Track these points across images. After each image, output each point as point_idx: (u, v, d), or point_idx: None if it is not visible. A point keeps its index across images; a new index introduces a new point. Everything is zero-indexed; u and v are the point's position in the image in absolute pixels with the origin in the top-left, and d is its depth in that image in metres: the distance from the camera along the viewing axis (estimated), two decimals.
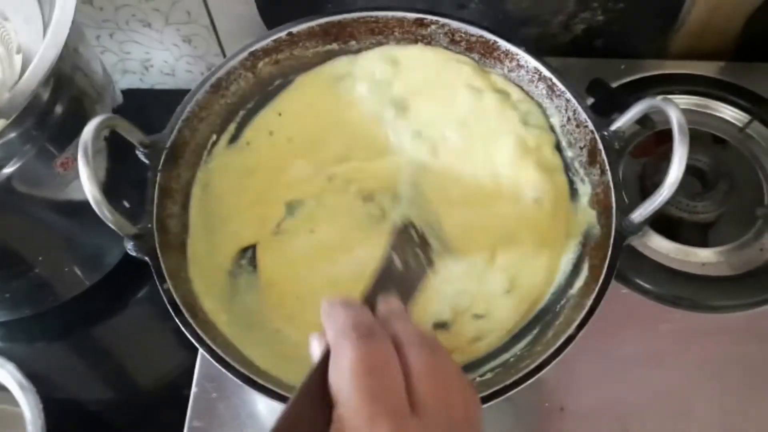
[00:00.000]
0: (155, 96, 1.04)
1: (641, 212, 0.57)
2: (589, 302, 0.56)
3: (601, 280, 0.57)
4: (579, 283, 0.61)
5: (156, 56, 0.97)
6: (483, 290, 0.63)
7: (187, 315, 0.55)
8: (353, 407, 0.36)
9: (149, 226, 0.58)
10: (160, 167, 0.61)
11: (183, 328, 0.55)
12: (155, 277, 0.56)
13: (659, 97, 0.57)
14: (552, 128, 0.69)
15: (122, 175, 0.76)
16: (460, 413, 0.39)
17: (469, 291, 0.63)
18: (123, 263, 0.84)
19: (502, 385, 0.53)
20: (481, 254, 0.64)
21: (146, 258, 0.57)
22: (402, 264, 0.51)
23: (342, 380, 0.37)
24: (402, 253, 0.52)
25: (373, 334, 0.39)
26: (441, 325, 0.62)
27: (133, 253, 0.57)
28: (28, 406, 0.69)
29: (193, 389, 0.70)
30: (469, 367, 0.60)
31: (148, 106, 1.00)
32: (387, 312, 0.44)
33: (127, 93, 0.86)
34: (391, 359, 0.38)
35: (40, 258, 0.75)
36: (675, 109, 0.54)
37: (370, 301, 0.46)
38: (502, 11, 0.86)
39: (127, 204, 0.76)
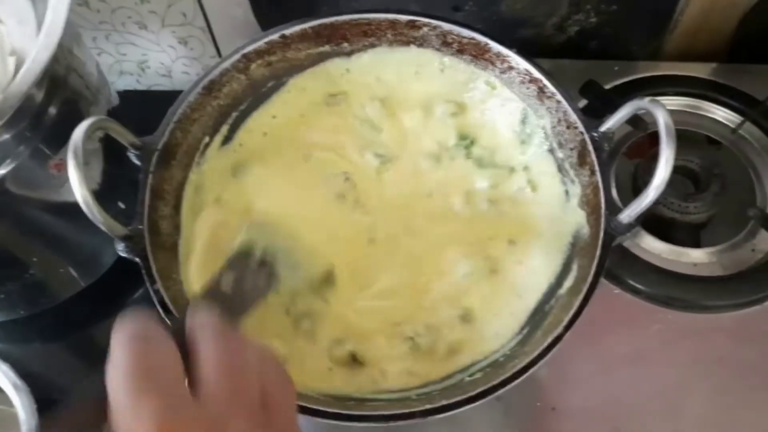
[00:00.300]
0: (152, 97, 1.04)
1: (629, 213, 0.58)
2: (578, 302, 0.56)
3: (589, 280, 0.57)
4: (568, 282, 0.61)
5: (152, 58, 0.98)
6: None
7: (178, 316, 0.55)
8: (120, 388, 0.36)
9: (140, 227, 0.59)
10: (151, 169, 0.61)
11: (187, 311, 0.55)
12: (145, 278, 0.57)
13: (647, 99, 0.57)
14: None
15: (118, 176, 0.76)
16: (256, 395, 0.38)
17: None
18: (118, 264, 0.83)
19: (490, 385, 0.53)
20: None
21: (136, 259, 0.57)
22: (232, 286, 0.51)
23: (110, 372, 0.36)
24: (235, 276, 0.52)
25: (146, 336, 0.38)
26: None
27: (124, 254, 0.57)
28: (21, 406, 0.69)
29: None
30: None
31: (145, 108, 1.00)
32: (193, 322, 0.43)
33: (124, 94, 0.87)
34: (165, 351, 0.37)
35: (35, 259, 0.76)
36: (662, 110, 0.55)
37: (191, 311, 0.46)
38: (496, 13, 0.87)
39: (122, 205, 0.76)
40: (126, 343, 0.37)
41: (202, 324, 0.40)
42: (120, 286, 0.86)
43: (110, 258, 0.83)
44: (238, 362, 0.39)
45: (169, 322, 0.54)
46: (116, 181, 0.76)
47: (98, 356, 0.86)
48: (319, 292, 0.64)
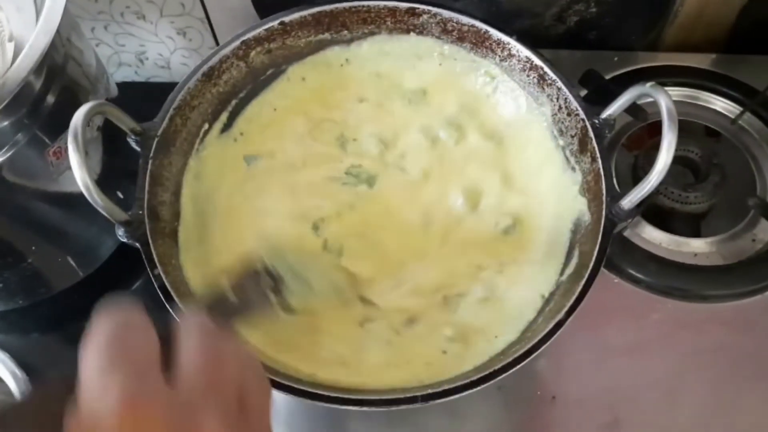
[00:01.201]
0: (150, 89, 1.04)
1: (631, 199, 0.58)
2: (579, 288, 0.56)
3: (591, 266, 0.57)
4: (569, 269, 0.61)
5: (151, 49, 0.98)
6: None
7: (178, 301, 0.55)
8: (92, 363, 0.35)
9: (140, 212, 0.59)
10: (151, 155, 0.61)
11: (173, 314, 0.55)
12: (146, 263, 0.56)
13: (648, 84, 0.57)
14: None
15: (116, 166, 0.76)
16: (232, 392, 0.37)
17: None
18: (116, 255, 0.83)
19: (493, 369, 0.53)
20: None
21: (137, 244, 0.57)
22: (237, 294, 0.51)
23: (85, 348, 0.36)
24: (242, 285, 0.52)
25: (124, 319, 0.38)
26: None
27: (124, 240, 0.57)
28: (20, 394, 0.69)
29: None
30: None
31: (143, 99, 1.00)
32: (183, 318, 0.43)
33: (123, 86, 0.86)
34: (143, 336, 0.37)
35: (34, 248, 0.75)
36: (664, 95, 0.55)
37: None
38: (495, 3, 0.87)
39: (120, 195, 0.76)
40: (105, 324, 0.37)
41: (192, 320, 0.40)
42: (118, 277, 0.86)
43: (108, 249, 0.83)
44: (218, 358, 0.38)
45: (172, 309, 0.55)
46: (114, 172, 0.76)
47: None
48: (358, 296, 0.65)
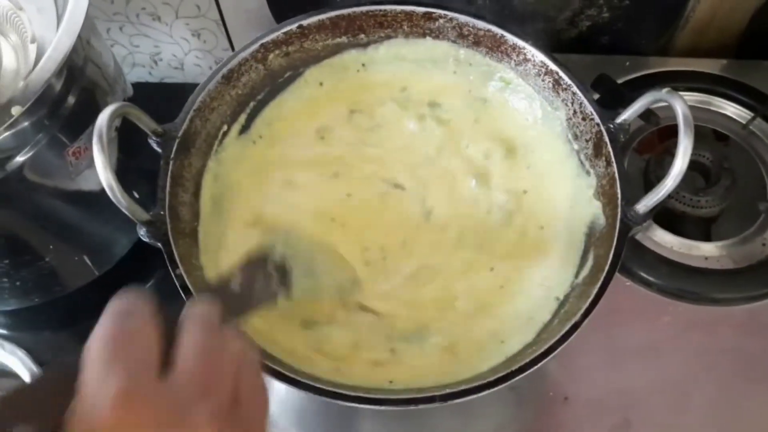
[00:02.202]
0: (164, 90, 1.05)
1: (646, 203, 0.58)
2: (595, 290, 0.57)
3: (606, 269, 0.57)
4: (584, 272, 0.62)
5: (165, 50, 0.98)
6: None
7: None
8: (94, 354, 0.36)
9: (161, 213, 0.59)
10: (172, 156, 0.62)
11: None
12: (168, 263, 0.57)
13: (664, 90, 0.58)
14: None
15: (132, 167, 0.77)
16: (226, 396, 0.38)
17: None
18: (131, 255, 0.84)
19: (509, 371, 0.54)
20: None
21: (158, 244, 0.58)
22: (241, 285, 0.51)
23: (88, 347, 0.37)
24: (247, 276, 0.52)
25: (130, 313, 0.39)
26: None
27: (146, 239, 0.58)
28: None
29: None
30: None
31: (157, 100, 1.00)
32: (188, 310, 0.43)
33: (136, 86, 0.87)
34: (144, 329, 0.38)
35: (51, 246, 0.76)
36: (680, 101, 0.55)
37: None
38: (508, 7, 0.87)
39: (136, 195, 0.77)
40: (109, 316, 0.38)
41: (195, 314, 0.41)
42: (132, 276, 0.86)
43: (123, 248, 0.84)
44: (216, 355, 0.39)
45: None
46: (130, 173, 0.77)
47: None
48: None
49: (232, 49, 0.96)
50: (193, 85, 0.66)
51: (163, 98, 1.02)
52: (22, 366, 0.71)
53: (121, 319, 0.38)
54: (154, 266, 0.86)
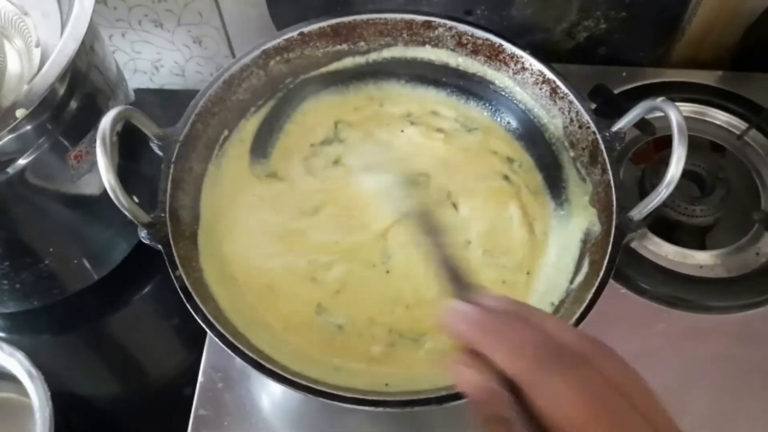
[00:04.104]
0: (165, 96, 1.06)
1: (641, 210, 0.59)
2: (589, 296, 0.57)
3: (600, 275, 0.58)
4: (579, 278, 0.63)
5: (166, 57, 0.99)
6: None
7: (198, 301, 0.56)
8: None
9: (162, 215, 0.60)
10: (173, 159, 0.63)
11: (194, 314, 0.56)
12: (168, 265, 0.58)
13: (659, 99, 0.59)
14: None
15: (132, 173, 0.77)
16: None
17: None
18: (130, 258, 0.85)
19: None
20: None
21: (159, 246, 0.58)
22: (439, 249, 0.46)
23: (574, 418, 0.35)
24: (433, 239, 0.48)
25: (562, 356, 0.37)
26: None
27: (147, 241, 0.58)
28: (36, 393, 0.70)
29: (200, 379, 0.71)
30: None
31: (158, 106, 1.02)
32: (503, 309, 0.41)
33: (137, 92, 0.88)
34: (613, 385, 0.37)
35: (51, 249, 0.76)
36: (675, 109, 0.56)
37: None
38: (506, 18, 0.88)
39: (136, 200, 0.77)
40: (561, 372, 0.37)
41: (517, 312, 0.40)
42: (131, 280, 0.87)
43: (122, 252, 0.84)
44: (636, 384, 0.38)
45: None
46: (131, 178, 0.77)
47: (108, 348, 0.86)
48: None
49: (233, 56, 0.97)
50: (194, 92, 0.67)
51: (163, 104, 1.03)
52: (20, 369, 0.71)
53: (573, 372, 0.36)
54: (153, 270, 0.87)
